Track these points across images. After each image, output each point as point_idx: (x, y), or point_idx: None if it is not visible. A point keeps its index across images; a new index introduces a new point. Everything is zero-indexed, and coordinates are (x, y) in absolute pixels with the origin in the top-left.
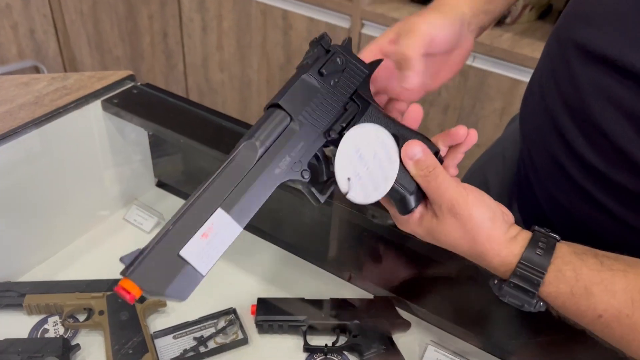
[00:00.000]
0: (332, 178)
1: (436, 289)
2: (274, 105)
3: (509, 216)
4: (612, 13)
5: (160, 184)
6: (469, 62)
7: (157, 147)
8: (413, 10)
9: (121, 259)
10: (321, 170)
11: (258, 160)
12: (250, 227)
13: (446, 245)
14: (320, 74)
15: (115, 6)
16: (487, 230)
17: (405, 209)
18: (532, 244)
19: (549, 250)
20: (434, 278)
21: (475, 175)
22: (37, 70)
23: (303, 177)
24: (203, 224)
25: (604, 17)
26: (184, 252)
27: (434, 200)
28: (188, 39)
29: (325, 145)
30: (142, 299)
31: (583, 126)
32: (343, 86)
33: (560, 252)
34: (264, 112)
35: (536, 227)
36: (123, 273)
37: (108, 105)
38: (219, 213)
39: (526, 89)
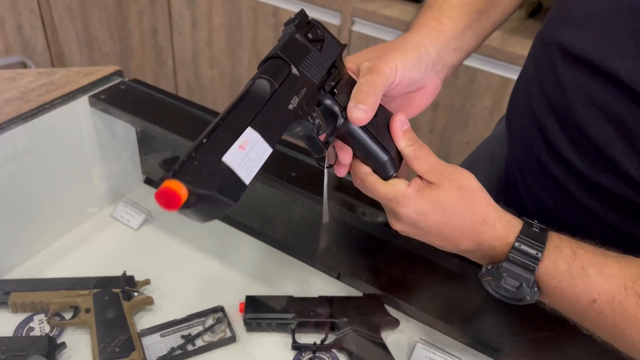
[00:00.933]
0: (330, 139)
1: (425, 286)
2: (272, 58)
3: None
4: (597, 17)
5: (148, 181)
6: None
7: (145, 144)
8: (404, 7)
9: (160, 163)
10: (321, 129)
11: (272, 95)
12: (239, 224)
13: (451, 213)
14: (307, 37)
15: (104, 2)
16: (482, 193)
17: (386, 173)
18: (527, 223)
19: (544, 229)
20: (422, 276)
21: None
22: (24, 66)
23: (310, 120)
24: (238, 138)
25: (589, 21)
26: (226, 159)
27: (424, 171)
28: (178, 35)
29: (317, 104)
30: (129, 297)
31: (567, 129)
32: (326, 53)
33: (555, 233)
34: (260, 67)
35: (524, 217)
36: (167, 176)
37: (95, 101)
38: (250, 131)
39: (512, 90)
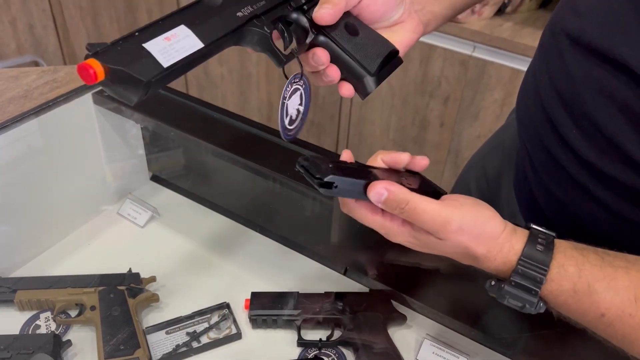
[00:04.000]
0: (293, 50)
1: (433, 282)
2: None
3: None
4: (604, 5)
5: (155, 179)
6: (468, 52)
7: (151, 141)
8: None
9: (87, 46)
10: (285, 40)
11: (222, 3)
12: (244, 220)
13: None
14: None
15: (114, 1)
16: (489, 232)
17: (365, 90)
18: (532, 239)
19: (549, 245)
20: (430, 271)
21: (475, 166)
22: (36, 65)
23: (265, 29)
24: (167, 32)
25: (596, 9)
26: (148, 45)
27: (431, 230)
28: None
29: (287, 22)
30: (134, 294)
31: (576, 119)
32: None
33: (561, 246)
34: None
35: (532, 225)
36: (89, 55)
37: (99, 98)
38: (182, 28)
39: (522, 81)
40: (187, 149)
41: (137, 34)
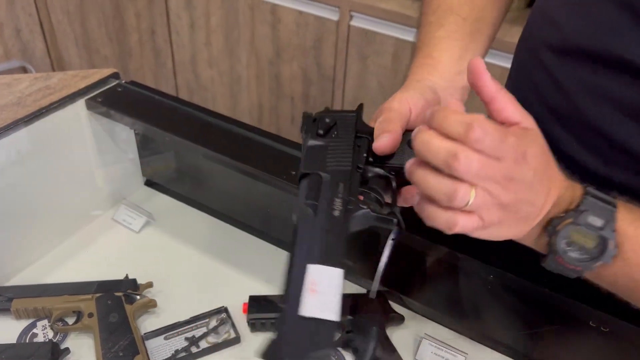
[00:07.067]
0: (394, 204)
1: (429, 282)
2: (300, 178)
3: None
4: (582, 11)
5: (149, 183)
6: None
7: (144, 146)
8: (402, 1)
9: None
10: (378, 201)
11: (316, 215)
12: (240, 223)
13: (545, 160)
14: (319, 135)
15: (102, 5)
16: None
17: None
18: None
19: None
20: (426, 271)
21: None
22: (24, 70)
23: (364, 207)
24: (305, 282)
25: (574, 16)
26: (305, 312)
27: (522, 116)
28: (176, 36)
29: (364, 181)
30: (132, 300)
31: (577, 131)
32: (344, 133)
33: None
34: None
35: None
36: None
37: (92, 104)
38: (312, 269)
39: None
40: (180, 153)
41: (281, 304)
